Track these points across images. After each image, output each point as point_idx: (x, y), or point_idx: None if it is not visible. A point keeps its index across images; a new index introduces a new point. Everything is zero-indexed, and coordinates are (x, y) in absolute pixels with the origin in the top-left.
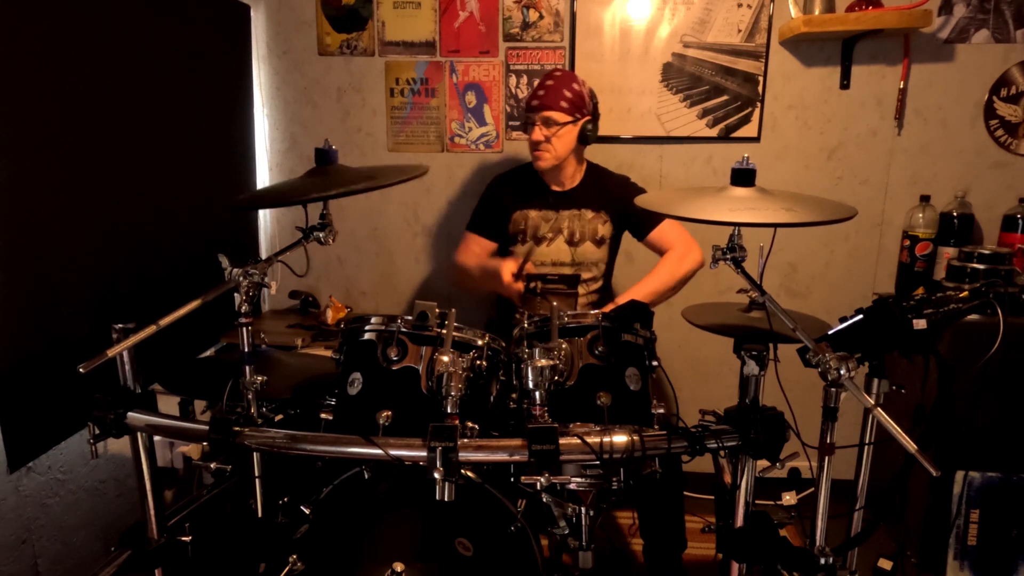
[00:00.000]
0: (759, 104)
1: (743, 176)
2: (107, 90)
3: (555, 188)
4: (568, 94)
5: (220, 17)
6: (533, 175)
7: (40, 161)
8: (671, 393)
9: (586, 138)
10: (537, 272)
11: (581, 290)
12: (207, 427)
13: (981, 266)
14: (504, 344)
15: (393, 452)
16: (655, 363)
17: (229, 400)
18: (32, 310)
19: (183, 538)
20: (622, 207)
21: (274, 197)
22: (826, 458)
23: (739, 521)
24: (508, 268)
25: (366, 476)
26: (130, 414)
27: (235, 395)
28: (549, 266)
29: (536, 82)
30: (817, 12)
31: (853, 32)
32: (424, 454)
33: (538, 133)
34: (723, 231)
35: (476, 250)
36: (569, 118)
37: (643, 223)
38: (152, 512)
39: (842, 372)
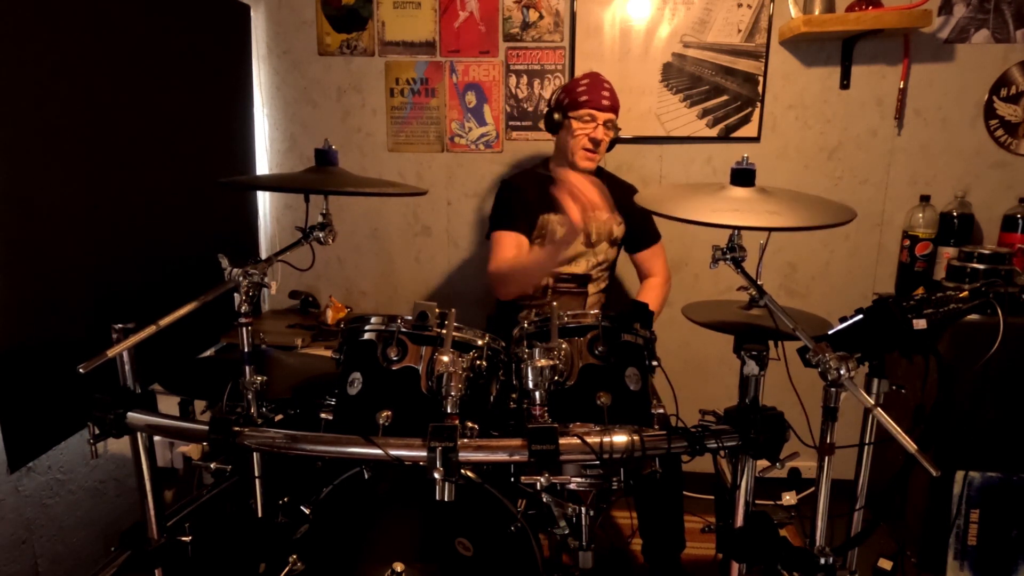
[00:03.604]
0: (759, 104)
1: (743, 176)
2: (106, 90)
3: None
4: (619, 101)
5: (220, 17)
6: (544, 178)
7: (40, 161)
8: (671, 393)
9: (611, 146)
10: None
11: (591, 288)
12: (207, 427)
13: (981, 266)
14: (504, 344)
15: (393, 452)
16: (655, 363)
17: (229, 400)
18: (32, 310)
19: (183, 538)
20: (632, 213)
21: (271, 182)
22: (826, 458)
23: (739, 521)
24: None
25: (366, 476)
26: (130, 414)
27: (235, 395)
28: (564, 264)
29: (580, 80)
30: (817, 12)
31: (853, 32)
32: (424, 454)
33: (602, 132)
34: (722, 230)
35: (514, 250)
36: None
37: (640, 238)
38: (152, 512)
39: (842, 372)
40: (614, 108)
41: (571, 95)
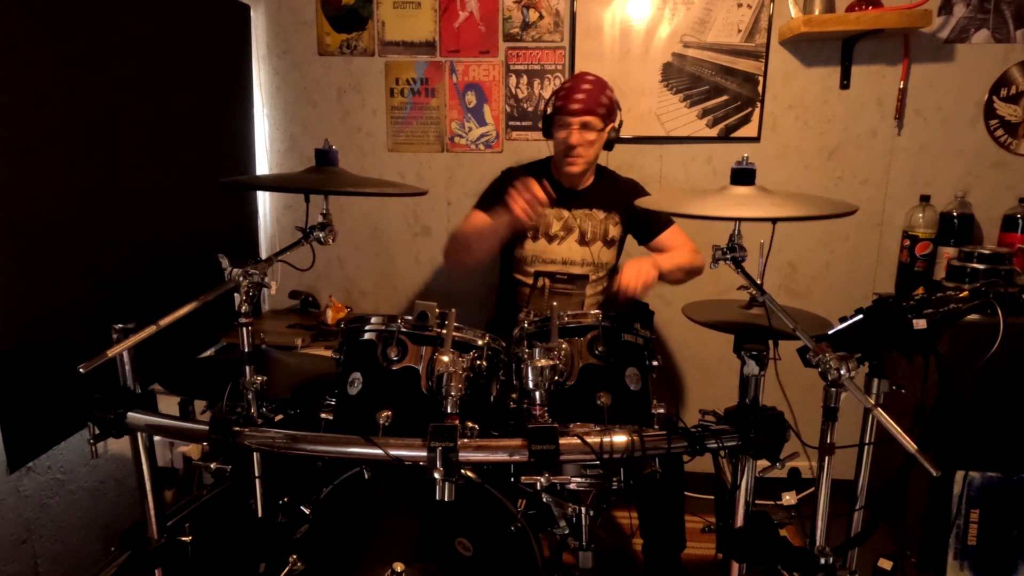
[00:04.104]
0: (759, 104)
1: (743, 176)
2: (107, 90)
3: (567, 187)
4: (604, 100)
5: (220, 17)
6: (545, 172)
7: (40, 162)
8: (671, 393)
9: (610, 145)
10: (546, 270)
11: (588, 290)
12: (207, 427)
13: (981, 266)
14: (504, 344)
15: (393, 452)
16: (655, 363)
17: (229, 400)
18: (32, 310)
19: (183, 538)
20: (632, 209)
21: (271, 182)
22: (826, 458)
23: (739, 521)
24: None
25: (366, 476)
26: (130, 414)
27: (235, 395)
28: (559, 264)
29: (565, 84)
30: (817, 12)
31: (853, 32)
32: (424, 454)
33: (577, 136)
34: (723, 231)
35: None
36: (602, 125)
37: (650, 227)
38: (152, 512)
39: (842, 372)
40: (588, 110)
41: (555, 98)
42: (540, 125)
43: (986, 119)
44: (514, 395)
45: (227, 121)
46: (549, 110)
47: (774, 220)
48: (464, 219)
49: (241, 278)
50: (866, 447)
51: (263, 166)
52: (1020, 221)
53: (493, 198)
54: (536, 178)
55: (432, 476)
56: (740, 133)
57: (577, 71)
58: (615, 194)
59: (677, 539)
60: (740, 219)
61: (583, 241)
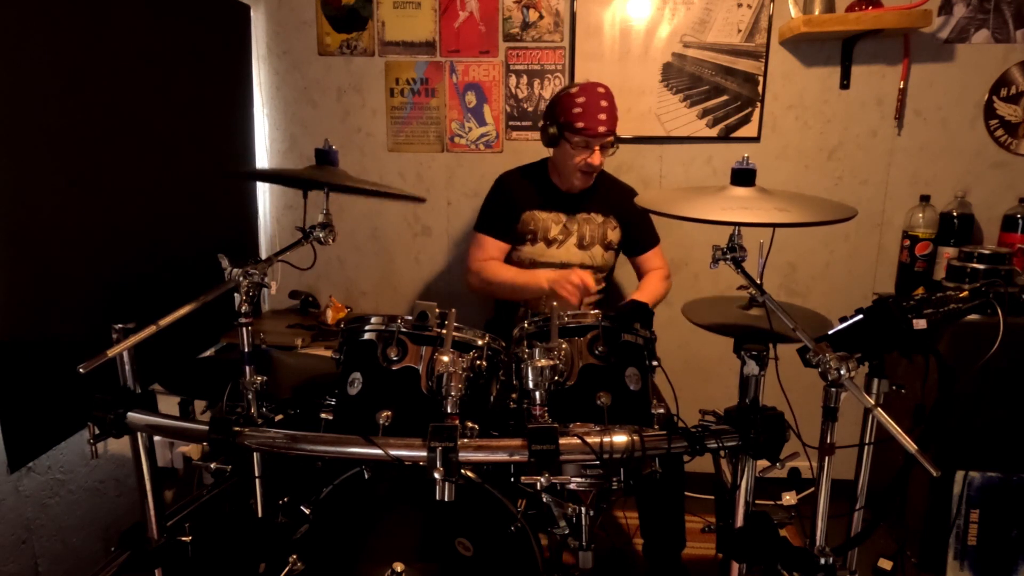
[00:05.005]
0: (759, 104)
1: (743, 176)
2: (107, 90)
3: (565, 190)
4: (617, 113)
5: (220, 17)
6: (542, 176)
7: (40, 161)
8: (671, 393)
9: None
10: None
11: None
12: (207, 427)
13: (981, 266)
14: (504, 344)
15: (393, 452)
16: (655, 363)
17: (229, 400)
18: (32, 310)
19: (183, 538)
20: (629, 217)
21: (274, 175)
22: (826, 458)
23: (739, 521)
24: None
25: (366, 476)
26: (130, 414)
27: (235, 395)
28: (558, 267)
29: (575, 97)
30: (817, 12)
31: (853, 32)
32: (424, 454)
33: (599, 157)
34: (723, 231)
35: (494, 253)
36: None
37: (640, 242)
38: (152, 512)
39: (842, 372)
40: (612, 129)
41: (567, 114)
42: (541, 127)
43: (986, 119)
44: (514, 395)
45: (227, 121)
46: (560, 120)
47: (773, 225)
48: (480, 249)
49: (241, 278)
50: (866, 447)
51: (263, 166)
52: (1020, 221)
53: (497, 216)
54: (532, 182)
55: (432, 476)
56: (740, 133)
57: (577, 71)
58: (614, 199)
59: (677, 539)
60: (739, 223)
61: (582, 245)
